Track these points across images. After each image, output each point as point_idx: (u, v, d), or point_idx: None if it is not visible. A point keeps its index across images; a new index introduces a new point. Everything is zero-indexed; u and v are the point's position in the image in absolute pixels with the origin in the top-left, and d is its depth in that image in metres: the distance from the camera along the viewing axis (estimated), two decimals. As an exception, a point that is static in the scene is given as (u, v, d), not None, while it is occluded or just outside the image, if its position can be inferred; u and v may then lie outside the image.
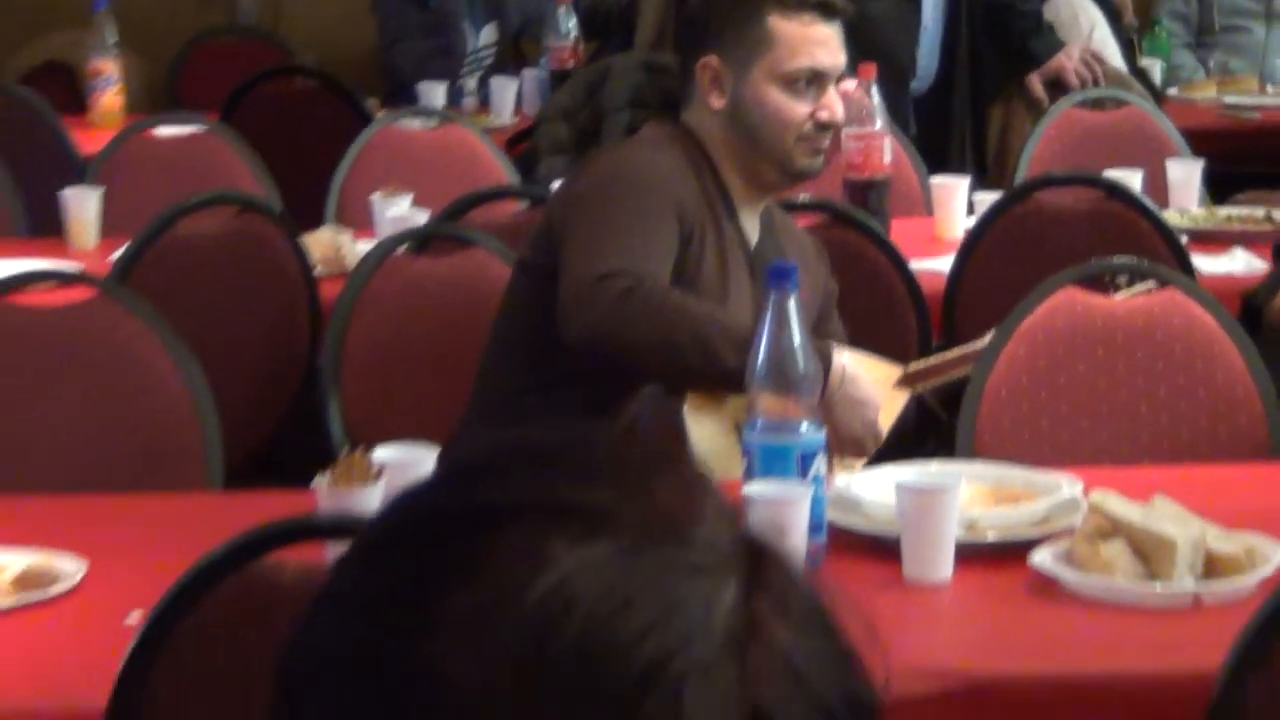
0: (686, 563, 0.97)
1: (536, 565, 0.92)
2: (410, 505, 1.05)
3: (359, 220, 4.97)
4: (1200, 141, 5.20)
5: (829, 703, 0.98)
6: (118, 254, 4.46)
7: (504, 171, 5.33)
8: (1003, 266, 4.18)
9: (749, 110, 3.30)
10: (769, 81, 3.30)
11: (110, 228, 4.97)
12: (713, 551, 0.98)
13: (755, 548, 0.98)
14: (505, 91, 6.40)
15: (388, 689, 0.92)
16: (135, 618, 2.45)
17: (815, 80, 3.30)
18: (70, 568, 2.78)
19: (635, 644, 0.93)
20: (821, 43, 3.32)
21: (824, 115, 3.33)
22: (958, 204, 4.67)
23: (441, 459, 2.95)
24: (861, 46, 3.61)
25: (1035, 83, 5.58)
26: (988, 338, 3.46)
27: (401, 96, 6.32)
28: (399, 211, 4.69)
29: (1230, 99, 6.11)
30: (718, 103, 3.33)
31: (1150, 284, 3.58)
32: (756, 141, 3.32)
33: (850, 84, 3.55)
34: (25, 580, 2.81)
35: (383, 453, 2.97)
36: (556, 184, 4.08)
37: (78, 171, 5.61)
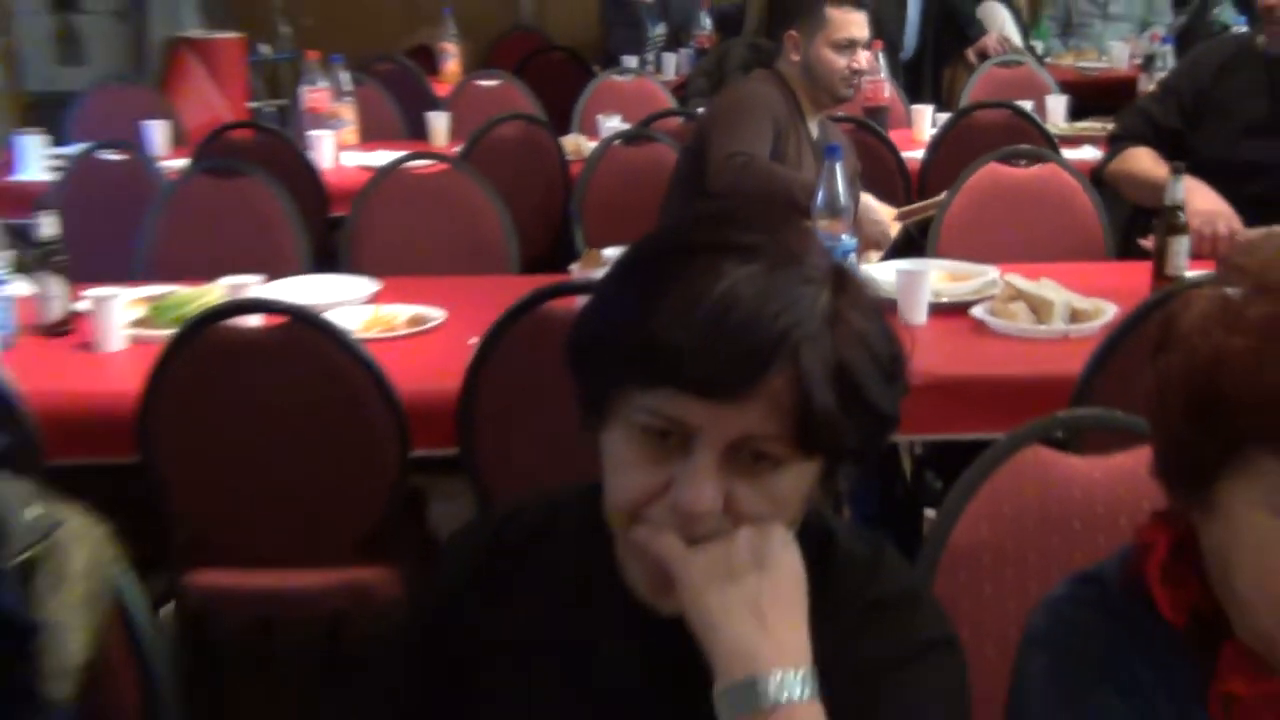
0: (801, 276, 1.13)
1: (717, 275, 1.11)
2: (642, 245, 1.23)
3: (590, 129, 5.75)
4: (1065, 87, 6.25)
5: (882, 360, 1.17)
6: (458, 148, 5.05)
7: (670, 103, 6.08)
8: (952, 155, 4.76)
9: (814, 62, 3.88)
10: (825, 45, 3.86)
11: (453, 134, 5.64)
12: (817, 270, 1.15)
13: (839, 270, 1.17)
14: (670, 61, 7.36)
15: (629, 334, 1.13)
16: (473, 340, 2.75)
17: (851, 45, 3.87)
18: (437, 315, 3.19)
19: (773, 321, 1.09)
20: (857, 23, 3.87)
21: (856, 65, 3.92)
22: (926, 120, 5.88)
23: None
24: (874, 28, 4.06)
25: (970, 54, 6.88)
26: (943, 196, 4.04)
27: (613, 62, 7.06)
28: (613, 124, 5.36)
29: (1081, 64, 7.41)
30: (795, 58, 3.90)
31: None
32: (817, 80, 3.91)
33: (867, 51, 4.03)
34: (413, 320, 3.19)
35: (609, 251, 3.39)
36: (701, 109, 4.82)
37: (435, 104, 6.17)
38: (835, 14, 3.81)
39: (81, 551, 1.50)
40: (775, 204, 3.36)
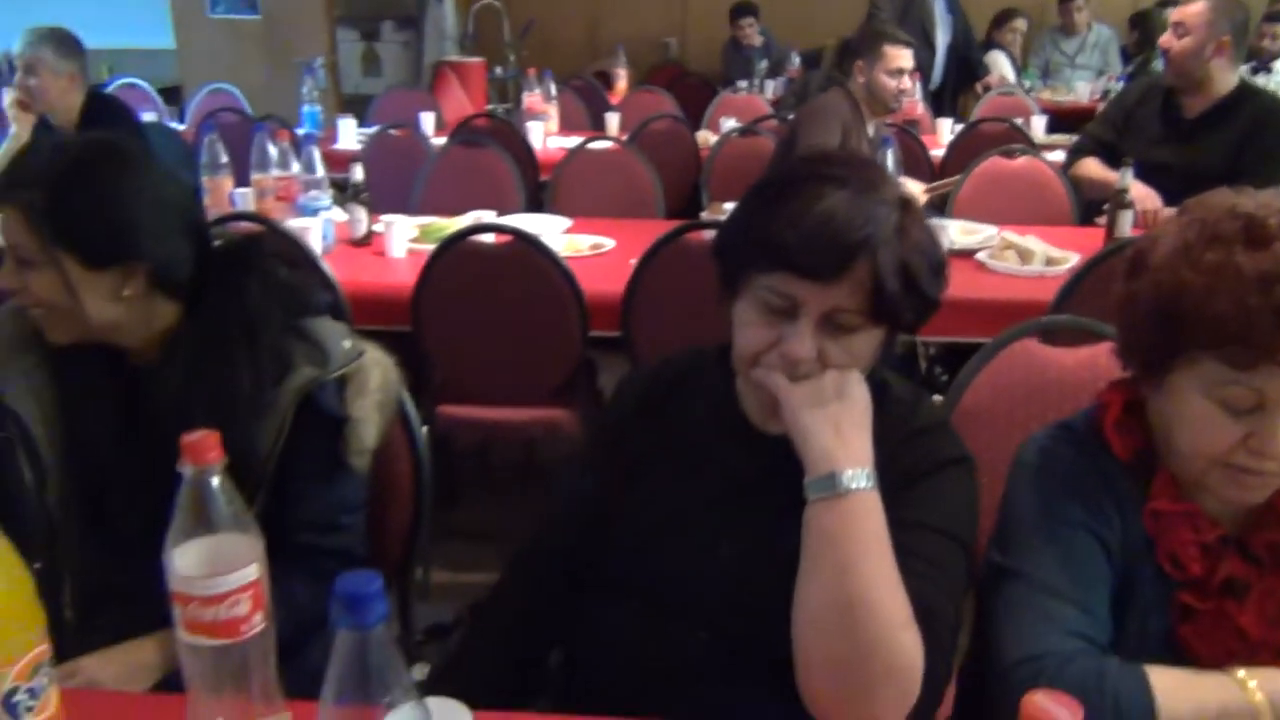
0: (879, 199, 1.13)
1: (820, 196, 1.12)
2: (766, 176, 1.25)
3: (714, 128, 5.46)
4: (1044, 112, 5.82)
5: (933, 262, 1.16)
6: (626, 136, 5.11)
7: (769, 111, 5.76)
8: (964, 152, 4.53)
9: (874, 83, 3.67)
10: (882, 72, 3.64)
11: (621, 128, 5.57)
12: (889, 197, 1.14)
13: (905, 199, 1.17)
14: (769, 86, 6.96)
15: (758, 235, 1.15)
16: (633, 261, 2.73)
17: (900, 73, 3.67)
18: (609, 243, 3.23)
19: (859, 229, 1.10)
20: (904, 57, 3.66)
21: (903, 87, 3.72)
22: (946, 129, 5.49)
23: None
24: (914, 64, 3.81)
25: (978, 87, 6.48)
26: (957, 177, 3.90)
27: (730, 85, 6.81)
28: (730, 124, 5.08)
29: (1056, 98, 6.88)
30: (861, 80, 3.70)
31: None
32: (875, 96, 3.69)
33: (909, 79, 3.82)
34: (593, 246, 3.20)
35: (726, 204, 3.41)
36: (790, 116, 4.62)
37: (609, 108, 6.35)
38: (890, 50, 3.64)
39: (377, 372, 1.50)
40: (859, 155, 3.30)
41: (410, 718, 0.77)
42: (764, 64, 7.35)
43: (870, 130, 3.86)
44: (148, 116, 4.64)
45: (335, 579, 1.43)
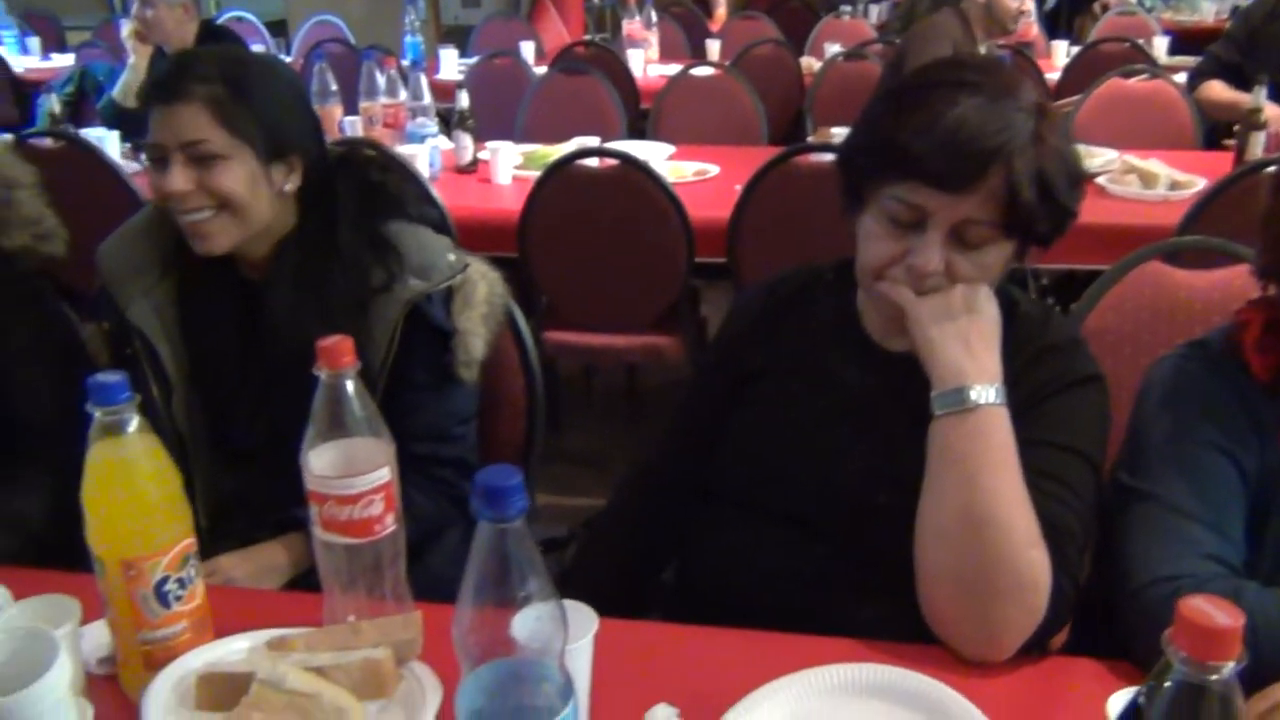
0: (1015, 105, 1.09)
1: (953, 102, 1.08)
2: (898, 82, 1.20)
3: (817, 53, 5.27)
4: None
5: (1070, 171, 1.12)
6: (728, 63, 5.01)
7: (873, 36, 5.65)
8: (1083, 75, 4.30)
9: (994, 2, 3.57)
10: None
11: (721, 56, 5.43)
12: (1026, 103, 1.10)
13: (1041, 104, 1.12)
14: (874, 10, 6.88)
15: (888, 143, 1.11)
16: (738, 186, 2.72)
17: None
18: (713, 169, 3.20)
19: (994, 136, 1.06)
20: None
21: (1025, 7, 3.61)
22: (1061, 52, 5.22)
23: None
24: None
25: (1095, 7, 6.25)
26: (1077, 98, 3.79)
27: (833, 9, 6.47)
28: (835, 49, 4.92)
29: (1178, 17, 6.54)
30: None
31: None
32: (995, 15, 3.59)
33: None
34: (698, 172, 3.17)
35: (835, 129, 3.44)
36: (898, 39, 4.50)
37: (709, 35, 6.26)
38: None
39: (483, 285, 1.52)
40: (1000, 61, 3.23)
41: (543, 613, 0.78)
42: (875, -5, 7.17)
43: (983, 51, 3.70)
44: (256, 48, 4.71)
45: (449, 487, 1.52)
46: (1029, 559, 1.04)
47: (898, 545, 1.10)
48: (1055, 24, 6.13)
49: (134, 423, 0.94)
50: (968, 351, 1.09)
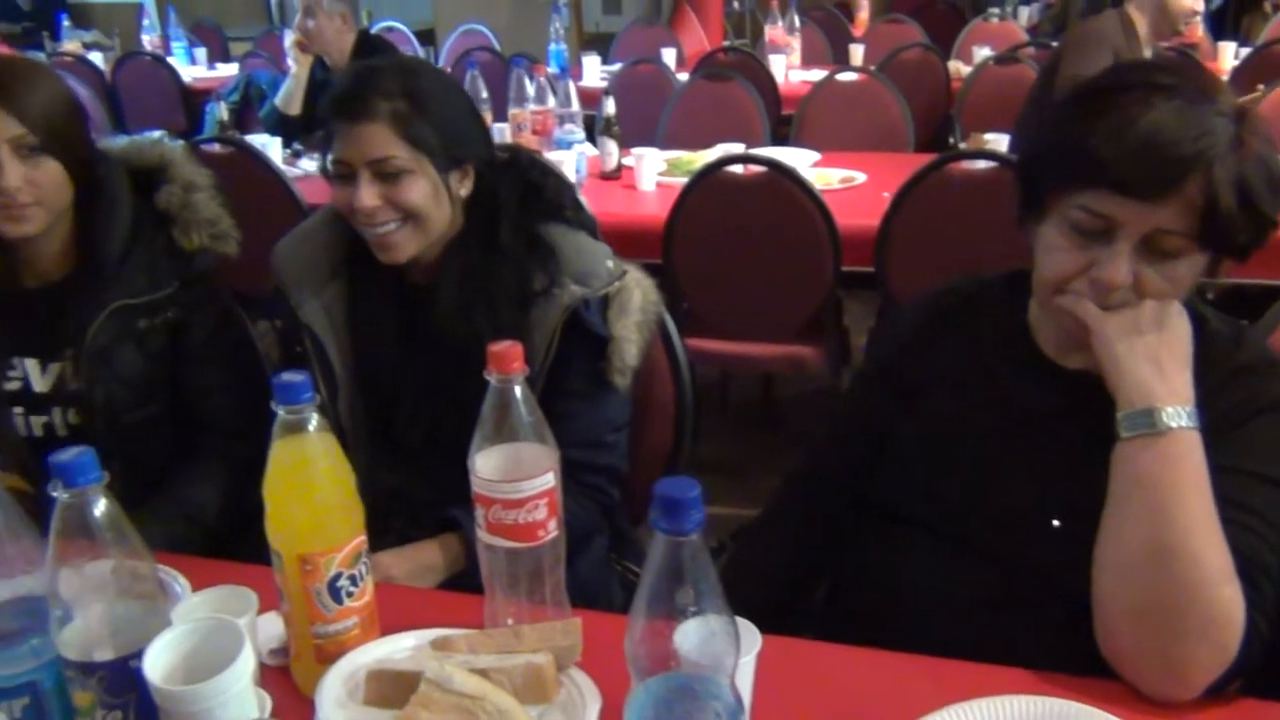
0: (1214, 110, 1.04)
1: (1146, 106, 1.03)
2: (1083, 85, 1.13)
3: (965, 57, 5.26)
4: None
5: (1275, 176, 1.06)
6: (872, 68, 4.84)
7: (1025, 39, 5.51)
8: (1252, 78, 4.05)
9: (1167, 4, 3.37)
10: None
11: (864, 61, 5.24)
12: (1225, 107, 1.05)
13: (1241, 108, 1.06)
14: (1024, 12, 6.61)
15: (1074, 148, 1.05)
16: (886, 194, 2.69)
17: None
18: (860, 176, 3.15)
19: (1192, 143, 1.02)
20: None
21: (1198, 7, 3.40)
22: (1229, 53, 4.97)
23: None
24: None
25: (1266, 6, 5.82)
26: (1259, 92, 3.59)
27: (979, 11, 6.39)
28: (985, 52, 4.91)
29: None
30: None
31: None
32: (1166, 14, 3.39)
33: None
34: (843, 180, 3.14)
35: (988, 135, 3.21)
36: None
37: (852, 40, 6.16)
38: None
39: (638, 292, 1.52)
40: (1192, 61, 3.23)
41: (716, 628, 0.77)
42: (1030, -2, 6.95)
43: (1147, 54, 3.54)
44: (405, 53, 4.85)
45: (600, 494, 1.52)
46: (1221, 595, 0.98)
47: (1072, 572, 1.05)
48: (1221, 25, 5.81)
49: (314, 421, 0.97)
50: (1158, 371, 1.03)
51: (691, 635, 0.77)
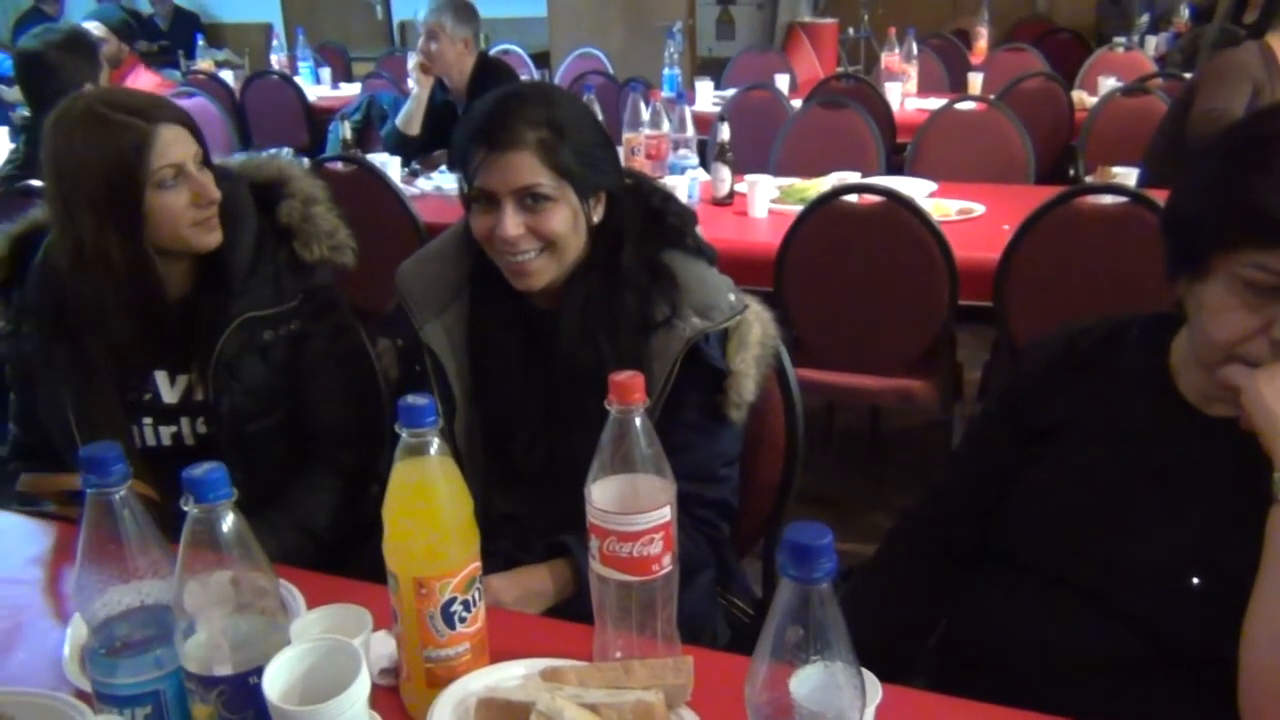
0: None
1: None
2: (1231, 134, 1.10)
3: (1089, 87, 5.09)
4: None
5: None
6: (991, 96, 4.82)
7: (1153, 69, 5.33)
8: None
9: None
10: None
11: (983, 89, 5.21)
12: None
13: None
14: (1150, 42, 6.33)
15: (1238, 206, 1.01)
16: (1006, 226, 2.62)
17: None
18: (979, 208, 3.04)
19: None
20: None
21: None
22: None
23: None
24: None
25: None
26: None
27: (1104, 41, 6.23)
28: (1110, 82, 4.77)
29: None
30: None
31: None
32: None
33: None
34: (961, 211, 3.02)
35: (1116, 168, 3.09)
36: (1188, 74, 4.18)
37: (970, 68, 6.06)
38: None
39: (757, 326, 1.49)
40: None
41: (841, 679, 0.75)
42: (1146, 17, 6.70)
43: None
44: (523, 79, 4.93)
45: (710, 528, 1.50)
46: None
47: (1212, 638, 1.00)
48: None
49: (435, 445, 0.98)
50: None
51: (812, 683, 0.75)
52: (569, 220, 1.43)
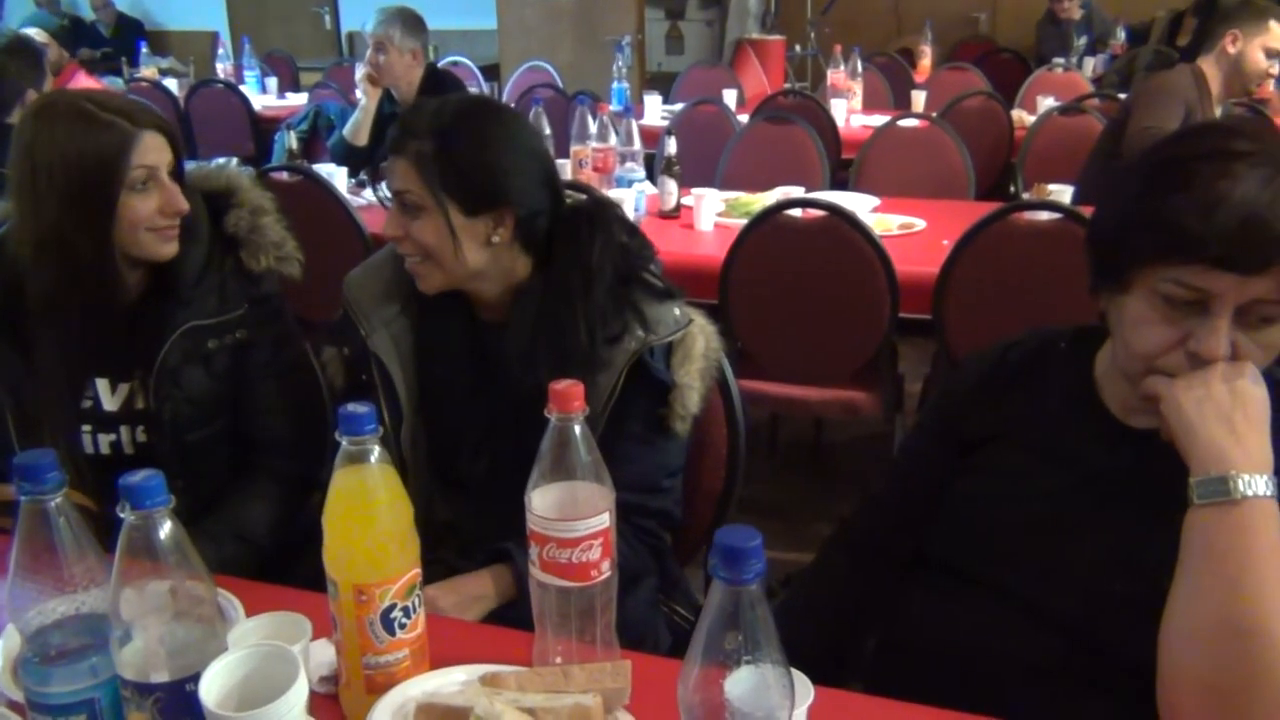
0: None
1: (1232, 177, 1.00)
2: (1152, 154, 1.10)
3: (1029, 106, 5.10)
4: None
5: None
6: (934, 114, 4.89)
7: (1090, 90, 5.43)
8: None
9: (1244, 59, 3.31)
10: (1259, 48, 3.29)
11: (926, 107, 5.29)
12: None
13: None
14: (1089, 63, 6.46)
15: (1159, 224, 1.02)
16: (946, 242, 2.67)
17: (1276, 54, 3.31)
18: (919, 223, 3.11)
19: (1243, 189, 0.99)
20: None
21: (1274, 70, 3.34)
22: None
23: None
24: None
25: None
26: None
27: (1043, 62, 6.18)
28: (1049, 102, 4.92)
29: None
30: (1231, 50, 3.31)
31: None
32: (1241, 72, 3.33)
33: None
34: (902, 225, 3.10)
35: (1052, 185, 3.14)
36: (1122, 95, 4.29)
37: (913, 86, 6.15)
38: (1276, 27, 3.29)
39: (701, 338, 1.51)
40: (1265, 121, 3.07)
41: (771, 680, 0.77)
42: (1083, 39, 6.86)
43: (1218, 112, 3.50)
44: (471, 90, 4.92)
45: (651, 538, 1.51)
46: None
47: (1134, 640, 1.02)
48: (1292, 83, 5.71)
49: (376, 453, 0.98)
50: (1233, 435, 1.00)
51: (744, 684, 0.76)
52: (440, 233, 1.44)
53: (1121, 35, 6.70)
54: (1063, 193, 3.06)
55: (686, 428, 1.50)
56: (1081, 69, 6.30)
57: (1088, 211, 2.43)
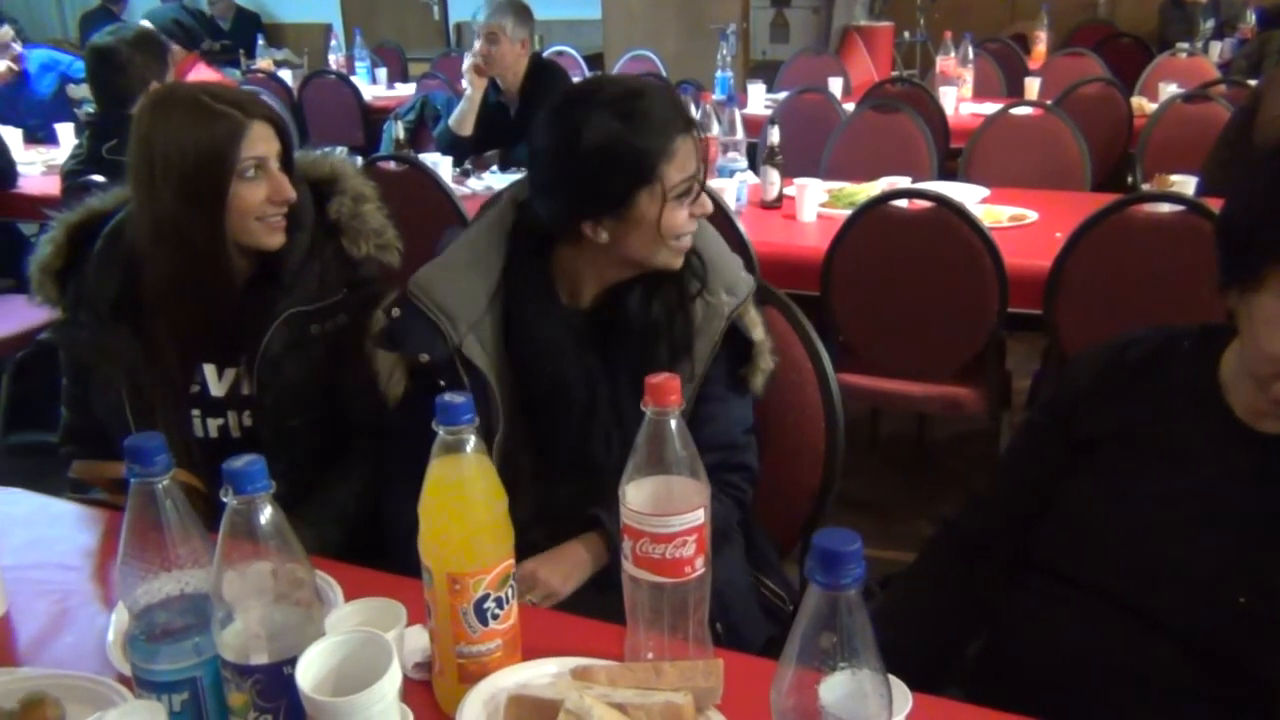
0: None
1: None
2: None
3: (1149, 93, 5.05)
4: None
5: None
6: (1048, 101, 4.76)
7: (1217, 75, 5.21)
8: None
9: None
10: None
11: (1040, 95, 5.15)
12: None
13: None
14: (1215, 48, 6.25)
15: None
16: (1059, 234, 2.58)
17: None
18: (1031, 214, 3.02)
19: None
20: None
21: None
22: None
23: None
24: None
25: None
26: None
27: (1167, 47, 5.98)
28: (1171, 89, 4.67)
29: None
30: None
31: None
32: None
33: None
34: (1013, 217, 3.00)
35: (1175, 175, 3.02)
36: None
37: (1028, 73, 6.03)
38: None
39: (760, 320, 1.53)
40: None
41: (858, 685, 0.74)
42: (1210, 22, 6.58)
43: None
44: (576, 80, 4.93)
45: (736, 490, 1.51)
46: None
47: (1260, 656, 0.97)
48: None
49: (471, 443, 0.98)
50: None
51: (839, 690, 0.74)
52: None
53: (1252, 18, 6.33)
54: (1186, 184, 2.93)
55: (762, 384, 1.52)
56: (1208, 54, 6.03)
57: (1211, 204, 2.39)
